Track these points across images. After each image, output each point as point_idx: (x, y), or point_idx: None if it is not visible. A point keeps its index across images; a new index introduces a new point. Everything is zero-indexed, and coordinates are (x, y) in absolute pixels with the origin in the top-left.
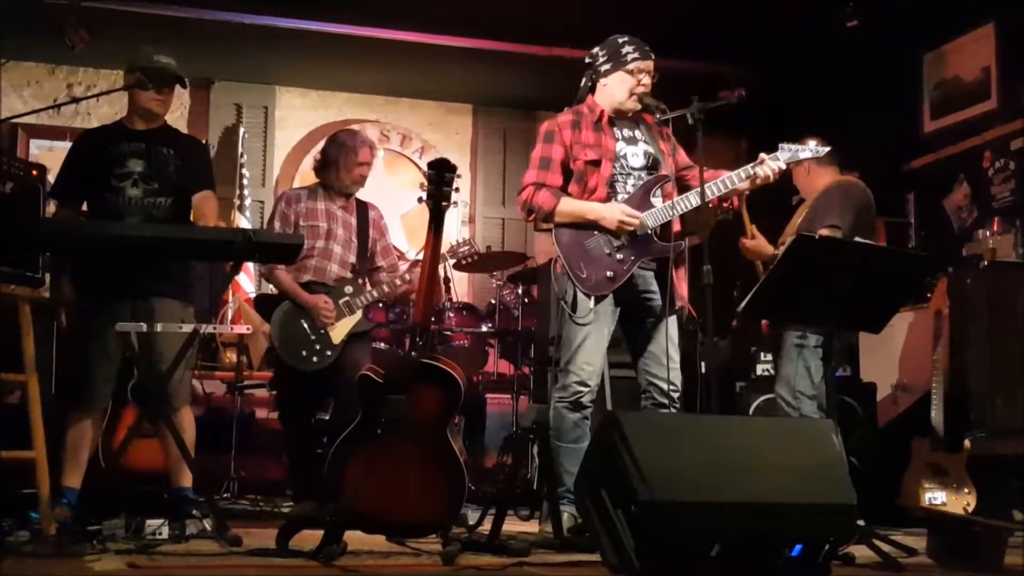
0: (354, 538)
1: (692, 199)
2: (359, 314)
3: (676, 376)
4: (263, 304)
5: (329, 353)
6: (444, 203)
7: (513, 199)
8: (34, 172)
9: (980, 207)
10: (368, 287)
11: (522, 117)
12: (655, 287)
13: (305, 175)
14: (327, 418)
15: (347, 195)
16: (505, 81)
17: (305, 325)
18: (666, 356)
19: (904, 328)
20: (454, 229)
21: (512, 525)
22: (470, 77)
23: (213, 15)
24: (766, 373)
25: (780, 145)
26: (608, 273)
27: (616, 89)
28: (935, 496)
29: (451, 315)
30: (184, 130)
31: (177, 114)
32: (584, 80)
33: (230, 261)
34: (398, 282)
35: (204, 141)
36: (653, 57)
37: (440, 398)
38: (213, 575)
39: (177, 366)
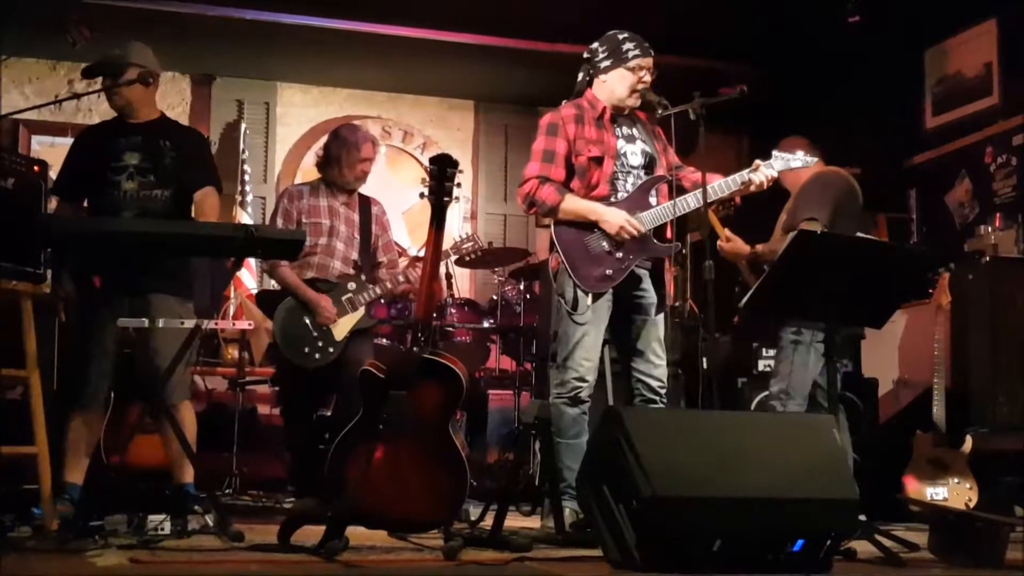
0: (356, 533)
1: (691, 200)
2: (362, 311)
3: (663, 373)
4: (265, 300)
5: (331, 349)
6: (446, 199)
7: (515, 195)
8: (35, 168)
9: (982, 203)
10: (371, 284)
11: (524, 113)
12: (647, 285)
13: (307, 171)
14: (329, 414)
15: (349, 191)
16: (507, 77)
17: (307, 321)
18: (655, 354)
19: (906, 324)
20: (456, 225)
21: (514, 521)
22: (472, 73)
23: (215, 11)
24: (767, 369)
25: (774, 153)
26: (607, 271)
27: (616, 86)
28: (936, 491)
29: (453, 311)
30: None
31: (179, 110)
32: (581, 75)
33: (231, 257)
34: (400, 278)
35: (206, 136)
36: (653, 54)
37: (442, 394)
38: (215, 571)
39: (178, 363)
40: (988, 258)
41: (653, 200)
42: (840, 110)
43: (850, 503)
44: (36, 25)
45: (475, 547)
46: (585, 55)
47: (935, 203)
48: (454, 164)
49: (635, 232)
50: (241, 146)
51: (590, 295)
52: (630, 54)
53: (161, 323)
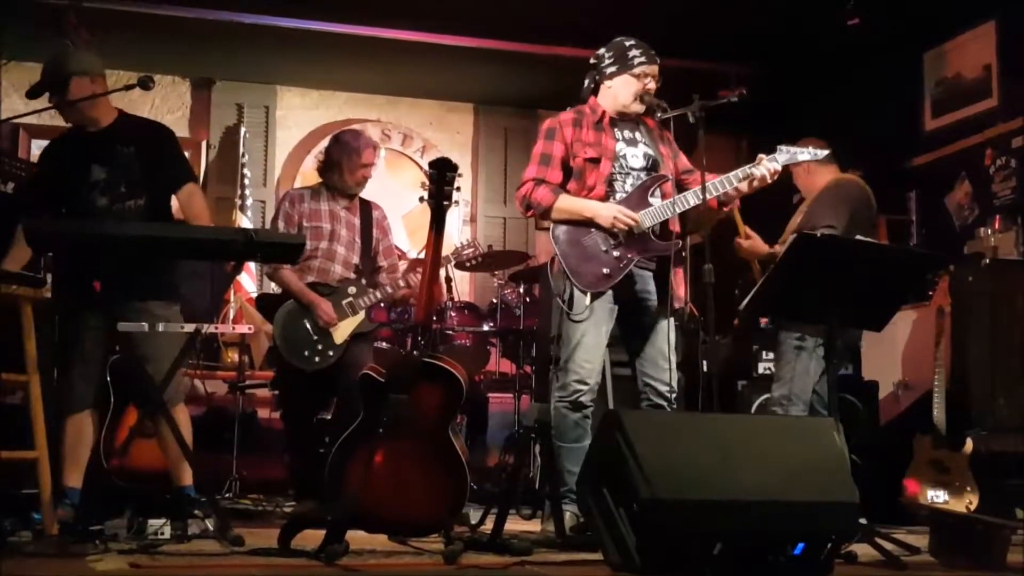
0: (356, 537)
1: (691, 198)
2: (362, 314)
3: (673, 378)
4: (265, 304)
5: (331, 353)
6: (445, 202)
7: (514, 198)
8: (35, 172)
9: (981, 205)
10: (371, 288)
11: (523, 116)
12: (652, 287)
13: (306, 175)
14: (329, 418)
15: (350, 196)
16: (506, 80)
17: (308, 325)
18: (663, 358)
19: (906, 326)
20: (455, 228)
21: (514, 524)
22: (471, 76)
23: (214, 15)
24: (767, 372)
25: (778, 147)
26: (604, 270)
27: (621, 92)
28: (937, 494)
29: (453, 314)
30: (185, 130)
31: (179, 114)
32: (587, 81)
33: (231, 261)
34: (401, 283)
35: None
36: (659, 61)
37: (442, 397)
38: (215, 575)
39: (176, 367)
40: (988, 260)
41: (654, 200)
42: (840, 112)
43: (850, 506)
44: (36, 29)
45: (475, 551)
46: (592, 60)
47: (935, 205)
48: (453, 168)
49: (630, 222)
50: (241, 150)
51: (588, 294)
52: (636, 61)
53: (161, 327)
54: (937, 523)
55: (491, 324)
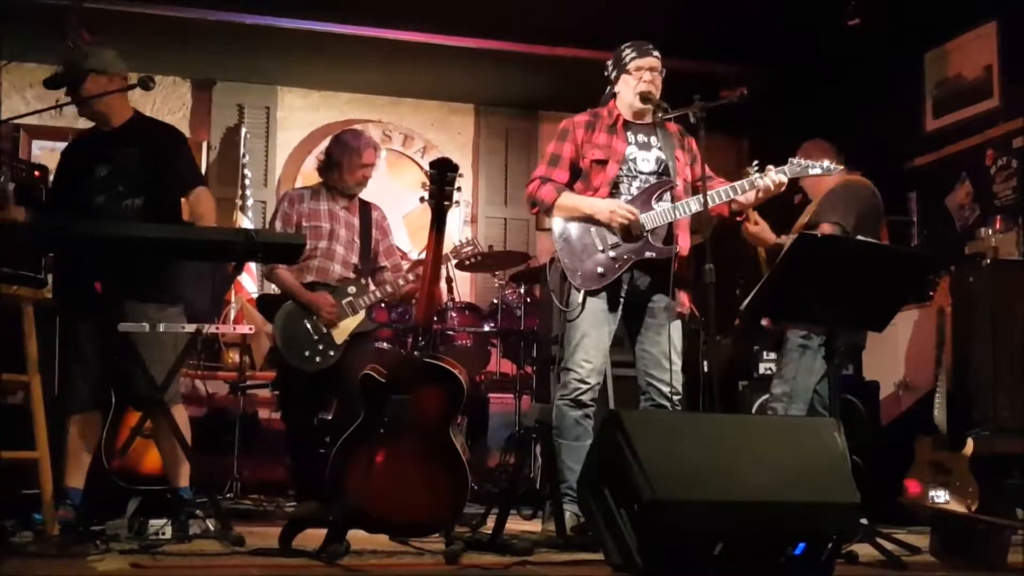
0: (357, 537)
1: (693, 204)
2: (362, 314)
3: (677, 380)
4: (265, 304)
5: (332, 353)
6: (446, 203)
7: (515, 199)
8: (36, 173)
9: (982, 205)
10: (371, 287)
11: (524, 117)
12: (652, 290)
13: (307, 175)
14: (330, 418)
15: (350, 196)
16: (507, 81)
17: (308, 325)
18: (667, 358)
19: (907, 327)
20: (456, 229)
21: (515, 524)
22: (472, 77)
23: (215, 15)
24: (768, 372)
25: (790, 160)
26: (599, 269)
27: (624, 93)
28: (938, 494)
29: (453, 315)
30: (186, 131)
31: (180, 115)
32: (607, 89)
33: (232, 261)
34: (401, 282)
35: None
36: (655, 53)
37: (442, 398)
38: (216, 575)
39: (177, 368)
40: (989, 260)
41: (659, 205)
42: (840, 112)
43: (851, 506)
44: (36, 29)
45: (476, 551)
46: (604, 73)
47: (936, 205)
48: (454, 168)
49: (628, 216)
50: (242, 150)
51: (582, 292)
52: (628, 58)
53: (162, 327)
54: (938, 523)
55: (492, 325)
